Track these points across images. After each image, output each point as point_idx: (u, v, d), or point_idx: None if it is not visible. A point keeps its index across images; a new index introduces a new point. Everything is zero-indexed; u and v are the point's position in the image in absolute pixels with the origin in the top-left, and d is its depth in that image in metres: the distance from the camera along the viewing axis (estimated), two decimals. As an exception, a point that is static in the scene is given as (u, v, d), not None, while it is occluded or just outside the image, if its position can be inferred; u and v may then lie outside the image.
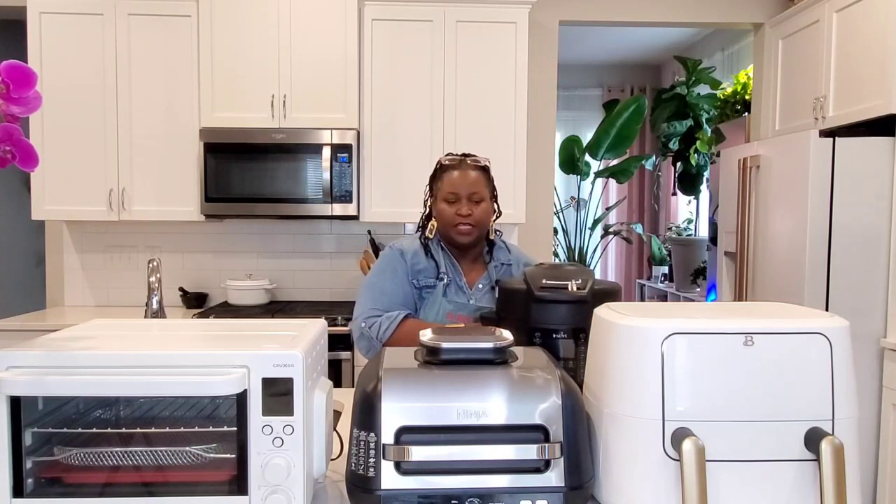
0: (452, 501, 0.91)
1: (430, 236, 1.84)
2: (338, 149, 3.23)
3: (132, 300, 3.62)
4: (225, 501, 0.93)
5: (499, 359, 1.02)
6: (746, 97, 4.56)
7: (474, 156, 1.85)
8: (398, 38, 3.32)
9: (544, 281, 1.33)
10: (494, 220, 1.87)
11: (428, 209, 1.88)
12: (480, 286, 1.83)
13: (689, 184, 5.32)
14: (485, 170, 1.83)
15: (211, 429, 0.96)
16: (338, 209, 3.25)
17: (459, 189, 1.77)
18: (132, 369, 0.91)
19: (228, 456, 0.94)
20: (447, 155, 1.87)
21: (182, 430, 0.97)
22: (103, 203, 3.28)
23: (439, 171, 1.84)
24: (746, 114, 4.35)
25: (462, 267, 1.85)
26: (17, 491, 0.91)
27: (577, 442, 0.94)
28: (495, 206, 1.87)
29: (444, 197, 1.79)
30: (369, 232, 3.56)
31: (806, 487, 0.90)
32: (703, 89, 5.24)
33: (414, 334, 1.46)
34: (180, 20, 3.25)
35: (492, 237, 1.88)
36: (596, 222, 5.49)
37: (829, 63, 3.07)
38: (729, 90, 4.81)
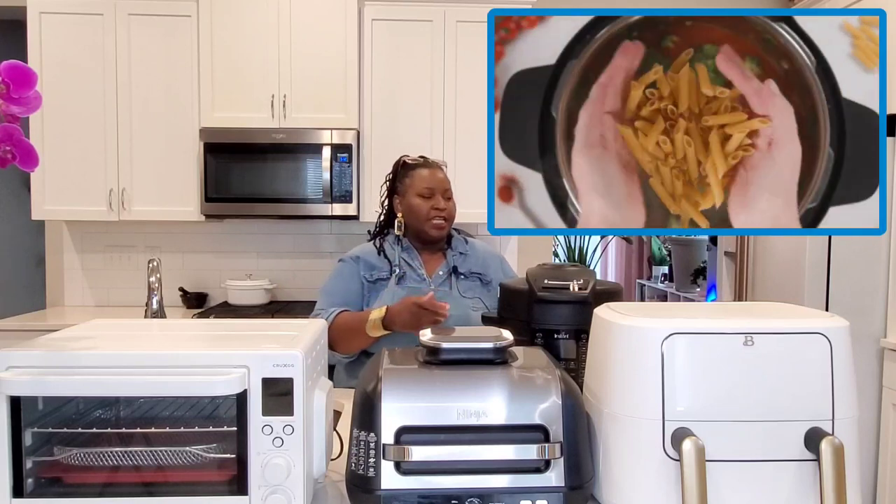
0: (452, 501, 0.91)
1: (400, 233, 1.93)
2: (338, 149, 3.23)
3: (132, 300, 3.62)
4: (225, 501, 0.93)
5: (499, 359, 1.02)
6: (746, 97, 4.55)
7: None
8: (398, 38, 3.32)
9: (546, 281, 1.33)
10: None
11: (387, 209, 1.97)
12: (441, 273, 1.92)
13: (689, 184, 5.31)
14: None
15: (211, 429, 0.96)
16: (338, 209, 3.25)
17: (434, 185, 1.88)
18: (132, 369, 0.91)
19: (228, 456, 0.94)
20: (406, 156, 1.97)
21: (182, 430, 0.97)
22: (103, 203, 3.28)
23: (404, 170, 1.93)
24: (746, 114, 4.35)
25: (423, 257, 1.94)
26: (17, 491, 0.91)
27: (577, 442, 0.94)
28: None
29: (419, 192, 1.88)
30: (369, 232, 3.55)
31: (806, 487, 0.90)
32: (703, 89, 5.23)
33: (341, 324, 1.75)
34: (180, 20, 3.25)
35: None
36: (596, 222, 5.48)
37: (829, 63, 3.07)
38: (729, 90, 4.80)
